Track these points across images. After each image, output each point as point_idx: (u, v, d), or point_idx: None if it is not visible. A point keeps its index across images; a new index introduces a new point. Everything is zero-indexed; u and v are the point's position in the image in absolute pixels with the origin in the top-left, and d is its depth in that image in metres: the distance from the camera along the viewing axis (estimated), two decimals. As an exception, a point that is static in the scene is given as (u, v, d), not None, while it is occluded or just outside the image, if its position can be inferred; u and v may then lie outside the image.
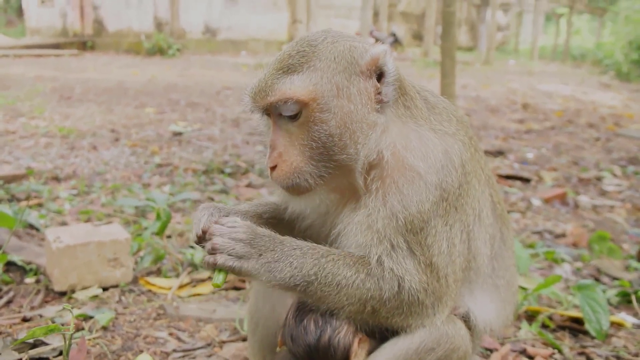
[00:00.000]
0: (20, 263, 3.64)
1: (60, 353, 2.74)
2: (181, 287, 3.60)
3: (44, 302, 3.31)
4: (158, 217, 3.88)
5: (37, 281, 3.52)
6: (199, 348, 2.93)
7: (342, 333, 1.91)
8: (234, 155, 7.13)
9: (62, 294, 3.39)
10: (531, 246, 4.47)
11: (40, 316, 3.11)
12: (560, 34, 39.48)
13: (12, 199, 5.09)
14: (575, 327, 3.25)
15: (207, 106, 11.08)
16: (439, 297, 1.89)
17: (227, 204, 2.11)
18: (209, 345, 2.97)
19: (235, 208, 2.09)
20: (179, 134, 8.38)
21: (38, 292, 3.40)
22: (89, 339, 2.89)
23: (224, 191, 5.64)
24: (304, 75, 1.81)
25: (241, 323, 3.13)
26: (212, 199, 5.34)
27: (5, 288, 3.41)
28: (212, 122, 9.55)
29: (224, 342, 3.00)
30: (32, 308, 3.22)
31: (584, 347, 3.07)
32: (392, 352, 1.88)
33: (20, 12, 35.53)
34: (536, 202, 5.85)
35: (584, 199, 6.02)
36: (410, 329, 1.89)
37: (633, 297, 3.57)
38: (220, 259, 1.78)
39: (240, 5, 26.51)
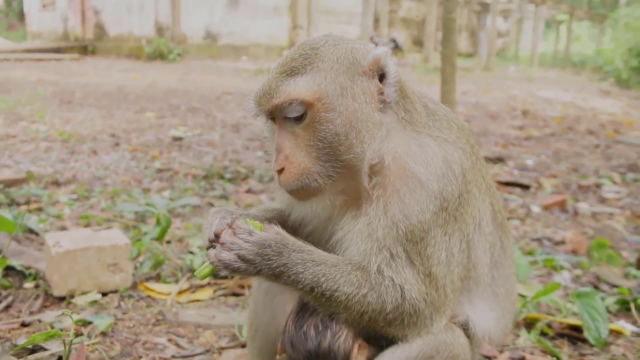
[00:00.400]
0: (19, 268, 3.64)
1: (59, 358, 2.74)
2: (180, 292, 3.60)
3: (43, 307, 3.31)
4: (158, 222, 3.88)
5: (36, 286, 3.52)
6: (198, 354, 2.93)
7: (341, 339, 1.91)
8: (234, 161, 7.14)
9: (62, 299, 3.39)
10: (530, 253, 4.47)
11: (39, 321, 3.11)
12: (560, 41, 39.54)
13: (12, 203, 5.09)
14: (574, 335, 3.25)
15: (207, 111, 11.09)
16: (437, 307, 1.89)
17: (236, 209, 2.11)
18: (207, 351, 2.97)
19: (245, 212, 2.09)
20: (179, 139, 8.38)
21: (37, 297, 3.40)
22: (88, 345, 2.89)
23: (224, 197, 5.64)
24: (308, 76, 1.83)
25: (240, 329, 3.13)
26: (211, 205, 5.35)
27: (4, 293, 3.41)
28: (212, 127, 9.56)
29: (223, 348, 3.00)
30: (31, 313, 3.22)
31: (583, 355, 3.07)
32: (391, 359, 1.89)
33: (21, 16, 35.62)
34: (535, 209, 5.85)
35: (583, 206, 6.03)
36: (407, 338, 1.90)
37: (632, 305, 3.57)
38: (227, 256, 1.77)
39: (241, 10, 26.56)
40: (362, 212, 1.90)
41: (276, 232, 1.82)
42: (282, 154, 1.85)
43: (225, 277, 3.78)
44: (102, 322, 3.07)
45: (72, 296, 3.40)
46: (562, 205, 6.03)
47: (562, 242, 4.92)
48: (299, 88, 1.82)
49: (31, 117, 9.54)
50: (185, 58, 23.61)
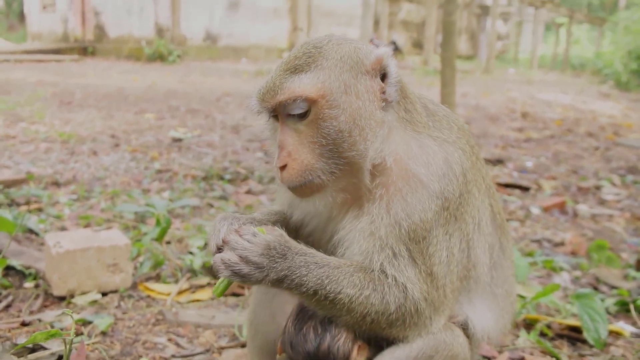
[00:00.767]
0: (19, 267, 3.64)
1: (59, 358, 2.74)
2: (180, 293, 3.60)
3: (43, 307, 3.31)
4: (157, 223, 3.89)
5: (36, 286, 3.52)
6: (197, 354, 2.93)
7: (341, 340, 1.92)
8: (234, 162, 7.14)
9: (61, 298, 3.39)
10: (530, 255, 4.48)
11: (39, 321, 3.11)
12: (559, 44, 39.61)
13: (12, 203, 5.09)
14: (573, 335, 3.26)
15: (207, 113, 11.10)
16: (437, 307, 1.89)
17: (244, 214, 2.10)
18: (207, 351, 2.97)
19: (250, 217, 2.09)
20: (179, 140, 8.39)
21: (37, 296, 3.40)
22: (88, 344, 2.90)
23: (224, 197, 5.65)
24: (312, 73, 1.84)
25: (240, 329, 3.13)
26: (211, 206, 5.35)
27: (4, 292, 3.42)
28: (212, 128, 9.56)
29: (222, 348, 3.00)
30: (31, 312, 3.22)
31: (583, 355, 3.07)
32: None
33: (21, 17, 35.65)
34: (535, 210, 5.86)
35: (583, 208, 6.03)
36: (407, 339, 1.90)
37: (631, 306, 3.57)
38: (232, 257, 1.75)
39: (241, 12, 26.60)
40: (364, 212, 1.90)
41: (279, 234, 1.81)
42: (285, 151, 1.85)
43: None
44: (102, 322, 3.07)
45: (72, 296, 3.40)
46: (561, 207, 6.04)
47: (562, 244, 4.93)
48: (304, 85, 1.82)
49: (31, 118, 9.54)
50: (185, 59, 23.63)
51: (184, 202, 4.82)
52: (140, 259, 3.97)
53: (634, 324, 3.45)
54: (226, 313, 3.34)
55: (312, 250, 1.84)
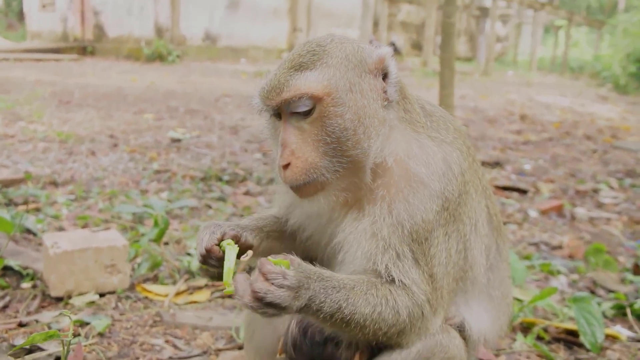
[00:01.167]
0: (16, 268, 3.64)
1: (57, 359, 2.74)
2: (178, 294, 3.60)
3: (41, 308, 3.31)
4: (156, 223, 3.89)
5: (34, 286, 3.52)
6: (195, 356, 2.94)
7: (344, 345, 1.93)
8: (232, 163, 7.14)
9: (59, 299, 3.39)
10: (527, 258, 4.48)
11: (37, 321, 3.11)
12: (558, 46, 39.64)
13: (10, 203, 5.09)
14: (570, 339, 3.26)
15: (206, 113, 11.10)
16: (435, 309, 1.90)
17: (228, 220, 2.11)
18: (205, 353, 2.97)
19: (235, 224, 2.09)
20: (178, 140, 8.39)
21: (34, 297, 3.40)
22: (86, 345, 2.90)
23: (222, 199, 5.65)
24: (317, 71, 1.83)
25: (237, 331, 3.14)
26: (209, 207, 5.35)
27: (1, 293, 3.42)
28: (210, 129, 9.56)
29: (220, 350, 3.01)
30: (29, 313, 3.22)
31: (579, 359, 3.08)
32: (388, 363, 1.89)
33: (21, 16, 35.61)
34: (533, 213, 5.87)
35: (580, 211, 6.04)
36: (408, 345, 1.90)
37: (628, 310, 3.58)
38: (257, 305, 1.68)
39: (241, 13, 26.59)
40: (364, 213, 1.90)
41: (298, 263, 1.74)
42: (288, 149, 1.83)
43: (222, 279, 3.78)
44: (99, 323, 3.08)
45: (69, 297, 3.40)
46: (559, 210, 6.05)
47: (559, 247, 4.93)
48: (309, 82, 1.82)
49: (29, 117, 9.54)
50: (184, 60, 23.62)
51: (182, 203, 4.82)
52: (138, 260, 3.97)
53: (630, 328, 3.46)
54: (224, 315, 3.34)
55: (328, 273, 1.79)
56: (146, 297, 3.54)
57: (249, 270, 3.77)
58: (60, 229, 4.53)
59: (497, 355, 3.06)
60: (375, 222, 1.87)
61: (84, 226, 4.62)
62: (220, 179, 6.35)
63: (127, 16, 25.52)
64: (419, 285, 1.85)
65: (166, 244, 4.30)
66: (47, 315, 3.18)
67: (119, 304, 3.42)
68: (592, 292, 3.96)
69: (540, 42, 37.74)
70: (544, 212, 5.92)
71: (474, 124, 11.84)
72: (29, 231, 4.38)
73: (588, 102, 18.12)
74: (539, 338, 3.28)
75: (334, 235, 2.00)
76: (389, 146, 1.89)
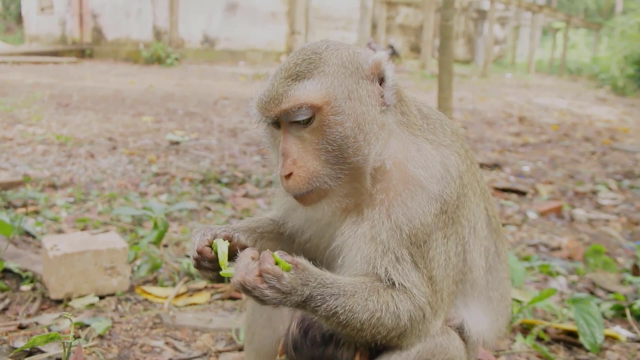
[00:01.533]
0: (16, 270, 3.64)
1: (56, 361, 2.74)
2: (177, 296, 3.60)
3: (40, 310, 3.31)
4: (155, 226, 3.89)
5: (34, 289, 3.52)
6: (195, 357, 2.94)
7: (345, 347, 1.93)
8: (231, 165, 7.15)
9: (59, 301, 3.39)
10: (526, 259, 4.49)
11: (37, 324, 3.11)
12: (556, 48, 39.73)
13: (9, 205, 5.09)
14: (569, 340, 3.27)
15: (204, 116, 11.10)
16: (435, 311, 1.90)
17: (219, 224, 2.12)
18: (205, 354, 2.97)
19: (227, 226, 2.09)
20: (177, 143, 8.39)
21: (34, 299, 3.40)
22: (86, 347, 2.90)
23: (221, 201, 5.65)
24: (315, 80, 1.83)
25: (237, 333, 3.14)
26: (208, 209, 5.35)
27: (1, 295, 3.41)
28: (209, 131, 9.57)
29: (220, 351, 3.01)
30: (29, 316, 3.21)
31: (579, 360, 3.08)
32: (389, 364, 1.90)
33: (19, 19, 35.63)
34: (532, 215, 5.88)
35: (579, 213, 6.05)
36: (408, 347, 1.90)
37: (627, 311, 3.59)
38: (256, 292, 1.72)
39: (239, 16, 26.63)
40: (364, 217, 1.90)
41: (302, 268, 1.75)
42: (290, 159, 1.83)
43: (222, 281, 3.79)
44: (99, 325, 3.07)
45: (69, 299, 3.40)
46: (558, 212, 6.06)
47: (558, 248, 4.94)
48: (308, 92, 1.81)
49: (28, 120, 9.54)
50: (182, 63, 23.64)
51: (181, 206, 4.82)
52: (138, 262, 3.97)
53: (630, 328, 3.46)
54: (223, 317, 3.34)
55: (331, 279, 1.79)
56: (146, 299, 3.54)
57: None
58: (60, 231, 4.53)
59: (497, 356, 3.06)
60: (374, 226, 1.87)
61: (83, 229, 4.62)
62: (219, 182, 6.35)
63: (126, 19, 25.55)
64: (419, 288, 1.85)
65: (165, 246, 4.30)
66: (47, 318, 3.18)
67: (119, 306, 3.42)
68: (592, 293, 3.97)
69: (538, 44, 37.83)
70: (543, 214, 5.93)
71: (472, 126, 11.86)
72: (28, 234, 4.37)
73: (586, 104, 18.16)
74: (539, 339, 3.29)
75: (333, 238, 2.00)
76: (388, 150, 1.89)
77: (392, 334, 1.85)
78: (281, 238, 2.21)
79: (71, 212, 5.07)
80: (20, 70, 18.59)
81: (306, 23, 26.94)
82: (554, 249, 4.93)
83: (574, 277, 4.26)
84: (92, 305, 3.39)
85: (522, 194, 6.71)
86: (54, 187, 5.85)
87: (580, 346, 3.20)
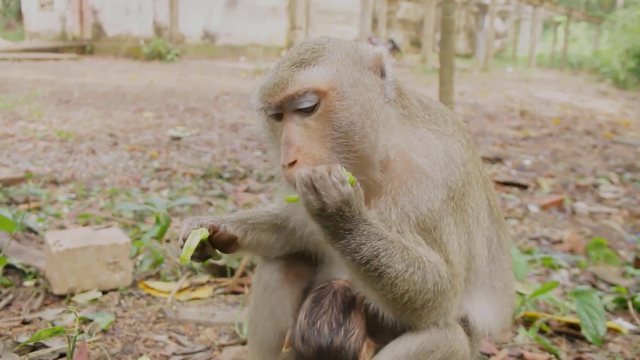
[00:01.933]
0: (19, 266, 3.65)
1: (61, 356, 2.75)
2: (180, 291, 3.61)
3: (44, 305, 3.32)
4: (157, 221, 3.90)
5: (37, 284, 3.53)
6: (198, 352, 2.94)
7: (353, 337, 1.93)
8: (232, 160, 7.15)
9: (62, 297, 3.40)
10: (528, 252, 4.49)
11: (40, 319, 3.12)
12: (557, 42, 39.66)
13: (11, 202, 5.09)
14: (572, 332, 3.27)
15: (205, 111, 11.10)
16: (455, 292, 1.89)
17: (208, 215, 2.11)
18: (208, 348, 2.98)
19: (215, 217, 2.09)
20: (178, 138, 8.39)
21: (37, 295, 3.41)
22: (89, 342, 2.90)
23: (222, 196, 5.65)
24: (320, 66, 1.82)
25: (240, 327, 3.14)
26: (210, 204, 5.36)
27: (4, 291, 3.42)
28: (210, 127, 9.57)
29: (223, 345, 3.01)
30: (32, 311, 3.22)
31: (581, 352, 3.09)
32: (392, 354, 1.89)
33: (19, 15, 35.59)
34: (533, 208, 5.88)
35: (581, 206, 6.05)
36: (427, 324, 1.88)
37: (629, 303, 3.59)
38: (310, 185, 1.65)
39: (240, 11, 26.59)
40: (370, 206, 1.88)
41: (361, 196, 1.72)
42: (294, 147, 1.78)
43: (224, 275, 3.80)
44: (102, 320, 3.08)
45: (72, 294, 3.41)
46: (559, 205, 6.06)
47: (560, 242, 4.94)
48: (314, 77, 1.79)
49: (29, 116, 9.54)
50: (183, 58, 23.62)
51: (183, 201, 4.82)
52: (140, 257, 3.98)
53: (632, 321, 3.47)
54: (226, 311, 3.35)
55: (375, 220, 1.76)
56: (149, 294, 3.55)
57: (252, 267, 3.78)
58: (61, 227, 4.53)
59: (499, 349, 3.06)
60: (381, 213, 1.86)
61: (85, 224, 4.63)
62: (220, 177, 6.36)
63: (126, 15, 25.52)
64: (441, 263, 1.84)
65: (168, 241, 4.31)
66: (50, 313, 3.19)
67: (122, 301, 3.43)
68: (594, 286, 3.97)
69: (539, 38, 37.74)
70: (544, 207, 5.93)
71: (473, 120, 11.85)
72: (30, 230, 4.38)
73: (587, 98, 18.13)
74: (541, 331, 3.29)
75: None
76: (390, 141, 1.89)
77: (417, 298, 1.80)
78: (276, 229, 2.21)
79: (73, 208, 5.08)
80: (20, 67, 18.58)
81: (306, 18, 26.90)
82: (555, 242, 4.94)
83: (576, 270, 4.26)
84: (95, 300, 3.40)
85: (523, 187, 6.71)
86: (55, 183, 5.85)
87: (582, 339, 3.21)
